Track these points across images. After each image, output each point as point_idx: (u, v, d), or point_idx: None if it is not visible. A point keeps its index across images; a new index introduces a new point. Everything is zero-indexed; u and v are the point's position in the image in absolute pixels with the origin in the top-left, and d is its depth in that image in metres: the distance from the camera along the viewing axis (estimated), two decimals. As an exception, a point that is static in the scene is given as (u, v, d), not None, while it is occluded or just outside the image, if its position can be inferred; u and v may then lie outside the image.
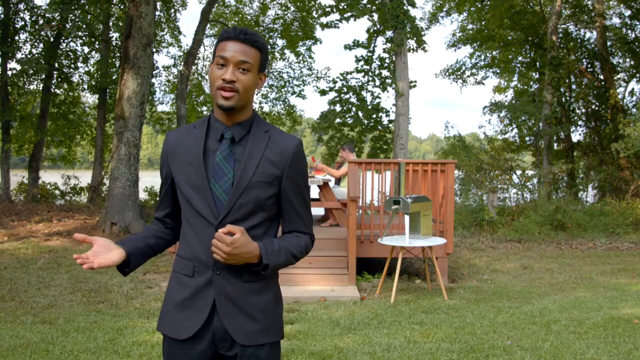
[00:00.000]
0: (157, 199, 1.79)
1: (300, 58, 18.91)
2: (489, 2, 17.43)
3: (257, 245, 1.56)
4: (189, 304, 1.61)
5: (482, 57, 19.61)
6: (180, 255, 1.67)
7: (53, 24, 13.48)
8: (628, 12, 16.99)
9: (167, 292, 1.68)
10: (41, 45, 14.67)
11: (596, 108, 16.98)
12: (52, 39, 14.67)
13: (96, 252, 1.54)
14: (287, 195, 1.66)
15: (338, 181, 8.29)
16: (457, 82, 19.87)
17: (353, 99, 15.67)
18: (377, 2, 14.16)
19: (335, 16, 15.37)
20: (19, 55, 14.24)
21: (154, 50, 15.34)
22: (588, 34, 17.50)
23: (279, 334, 1.66)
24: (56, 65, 14.86)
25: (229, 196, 1.58)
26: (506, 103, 16.86)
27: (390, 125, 15.45)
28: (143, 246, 1.68)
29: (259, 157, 1.60)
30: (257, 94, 19.37)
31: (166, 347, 1.66)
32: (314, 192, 8.33)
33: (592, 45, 16.95)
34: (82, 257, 1.51)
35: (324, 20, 16.64)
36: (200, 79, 18.96)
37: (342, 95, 15.67)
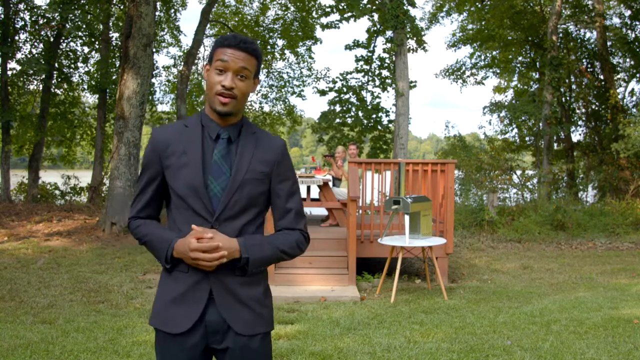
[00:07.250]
0: (143, 199, 1.68)
1: (300, 58, 18.90)
2: (489, 2, 17.43)
3: (236, 240, 1.61)
4: (184, 298, 1.64)
5: (482, 57, 19.61)
6: None
7: (53, 24, 13.46)
8: (628, 12, 16.99)
9: (159, 288, 1.71)
10: (41, 45, 14.64)
11: (596, 108, 16.98)
12: (52, 39, 14.65)
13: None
14: (277, 194, 1.73)
15: (336, 182, 8.28)
16: (457, 82, 19.87)
17: (353, 99, 15.66)
18: (377, 2, 14.17)
19: (335, 16, 15.40)
20: (19, 55, 14.23)
21: (154, 50, 15.33)
22: (588, 34, 17.52)
23: (271, 324, 1.74)
24: (56, 65, 14.84)
25: (225, 193, 1.63)
26: (506, 103, 16.85)
27: (390, 125, 15.43)
28: None
29: (250, 156, 1.67)
30: (256, 94, 19.36)
31: (159, 341, 1.69)
32: (314, 192, 8.33)
33: (592, 45, 16.95)
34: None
35: (324, 20, 16.67)
36: (200, 78, 18.94)
37: (342, 95, 15.67)
